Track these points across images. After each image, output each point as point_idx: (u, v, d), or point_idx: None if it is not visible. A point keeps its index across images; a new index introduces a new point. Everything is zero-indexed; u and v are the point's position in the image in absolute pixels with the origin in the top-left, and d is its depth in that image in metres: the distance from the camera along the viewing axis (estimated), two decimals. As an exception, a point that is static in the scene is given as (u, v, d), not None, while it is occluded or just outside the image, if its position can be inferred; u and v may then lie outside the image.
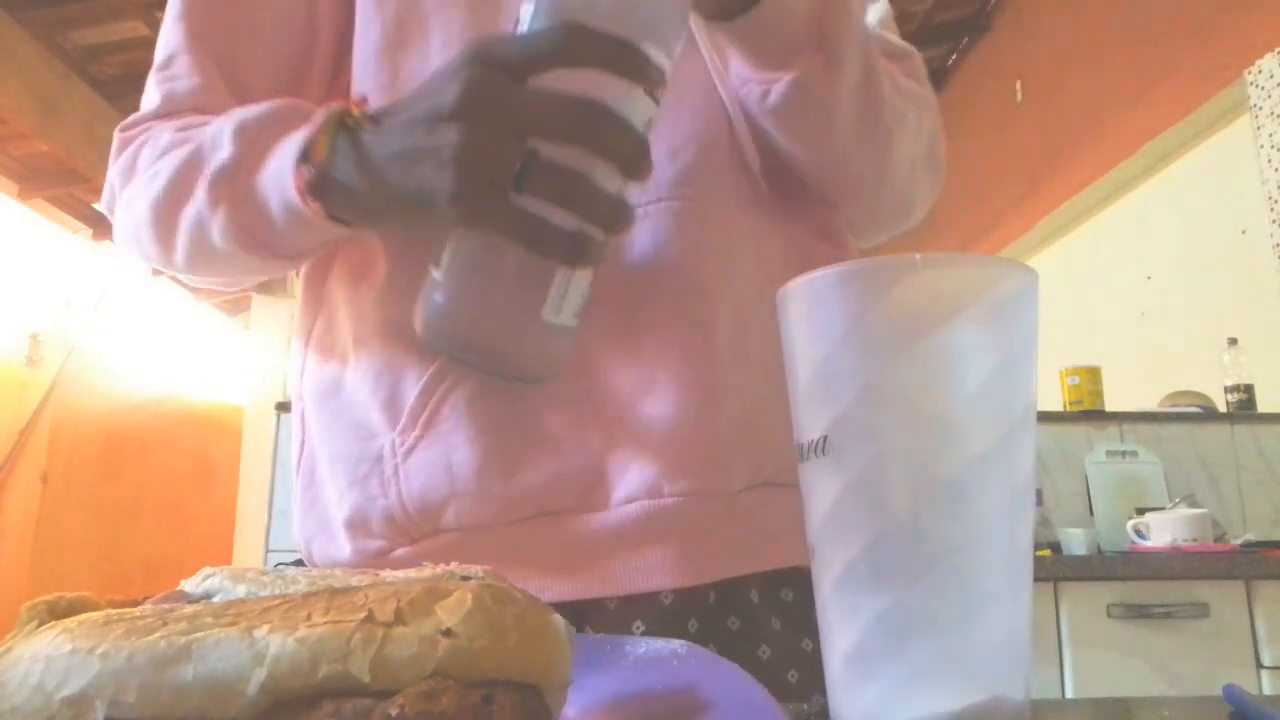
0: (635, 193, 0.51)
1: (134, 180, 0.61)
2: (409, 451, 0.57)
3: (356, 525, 0.58)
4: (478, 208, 0.45)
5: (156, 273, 4.96)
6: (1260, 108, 2.68)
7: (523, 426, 0.56)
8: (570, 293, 0.50)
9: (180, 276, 0.63)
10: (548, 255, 0.47)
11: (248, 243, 0.56)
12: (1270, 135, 2.64)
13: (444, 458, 0.56)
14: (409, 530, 0.57)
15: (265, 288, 5.13)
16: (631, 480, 0.55)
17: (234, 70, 0.64)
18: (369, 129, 0.49)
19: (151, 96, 0.64)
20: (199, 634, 0.24)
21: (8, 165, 3.91)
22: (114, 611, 0.26)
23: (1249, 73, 2.72)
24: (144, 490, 4.78)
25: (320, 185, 0.50)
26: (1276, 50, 2.63)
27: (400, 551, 0.58)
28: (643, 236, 0.57)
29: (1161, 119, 3.12)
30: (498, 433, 0.56)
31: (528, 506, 0.56)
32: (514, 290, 0.49)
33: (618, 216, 0.47)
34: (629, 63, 0.45)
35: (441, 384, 0.56)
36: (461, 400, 0.56)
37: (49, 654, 0.25)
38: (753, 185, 0.62)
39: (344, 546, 0.59)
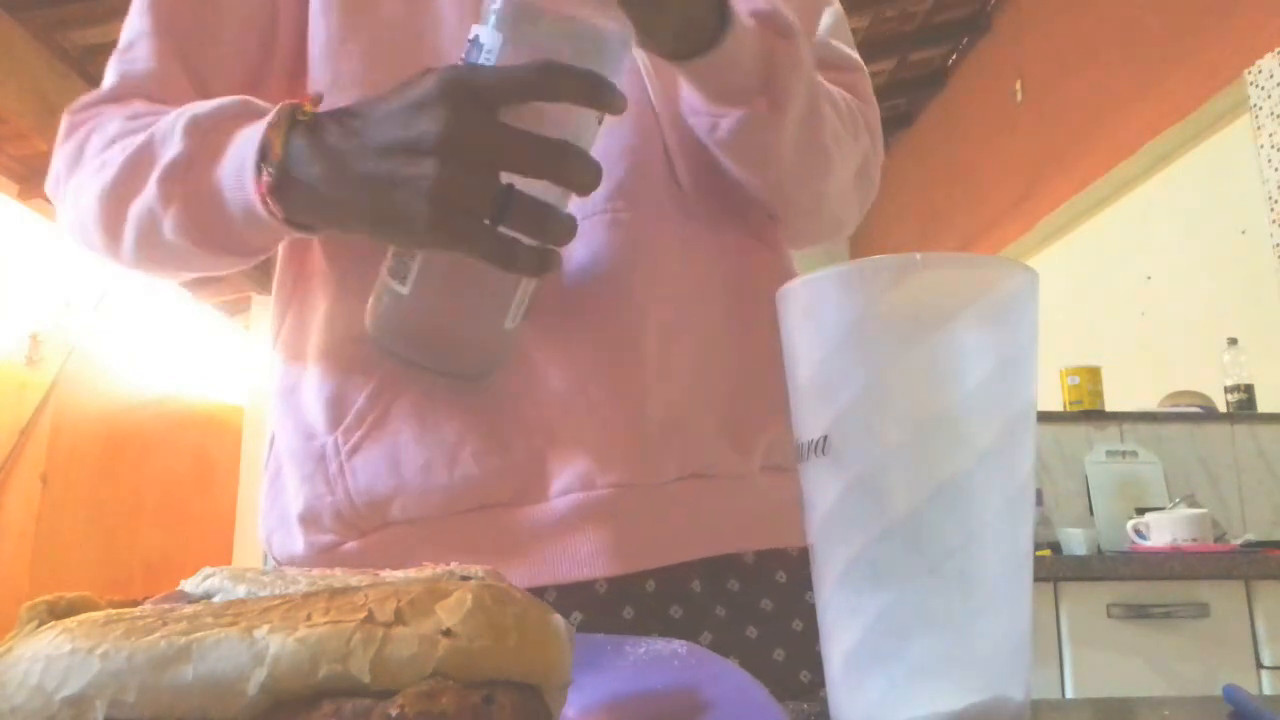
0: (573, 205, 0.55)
1: (81, 169, 0.61)
2: (354, 450, 0.59)
3: (309, 520, 0.61)
4: (455, 236, 0.48)
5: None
6: (1260, 108, 2.68)
7: (466, 425, 0.59)
8: (526, 300, 0.54)
9: (126, 269, 0.63)
10: (519, 273, 0.50)
11: (200, 240, 0.56)
12: (1270, 135, 2.64)
13: (390, 455, 0.58)
14: (358, 524, 0.60)
15: (265, 287, 5.13)
16: (566, 474, 0.58)
17: (196, 63, 0.65)
18: (331, 130, 0.50)
19: (108, 78, 0.65)
20: (199, 634, 0.24)
21: (8, 165, 3.91)
22: (114, 611, 0.26)
23: (1249, 73, 2.72)
24: (144, 490, 4.78)
25: (281, 187, 0.51)
26: (1276, 50, 2.63)
27: (350, 545, 0.61)
28: (579, 248, 0.60)
29: (1161, 119, 3.12)
30: (442, 431, 0.58)
31: (470, 499, 0.58)
32: (483, 302, 0.53)
33: (571, 232, 0.50)
34: (602, 97, 0.48)
35: (391, 387, 0.59)
36: (408, 403, 0.59)
37: (49, 654, 0.25)
38: (683, 195, 0.65)
39: (298, 540, 0.62)
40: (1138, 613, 1.84)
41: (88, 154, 0.61)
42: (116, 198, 0.58)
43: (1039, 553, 1.98)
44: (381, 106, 0.49)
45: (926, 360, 0.32)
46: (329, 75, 0.63)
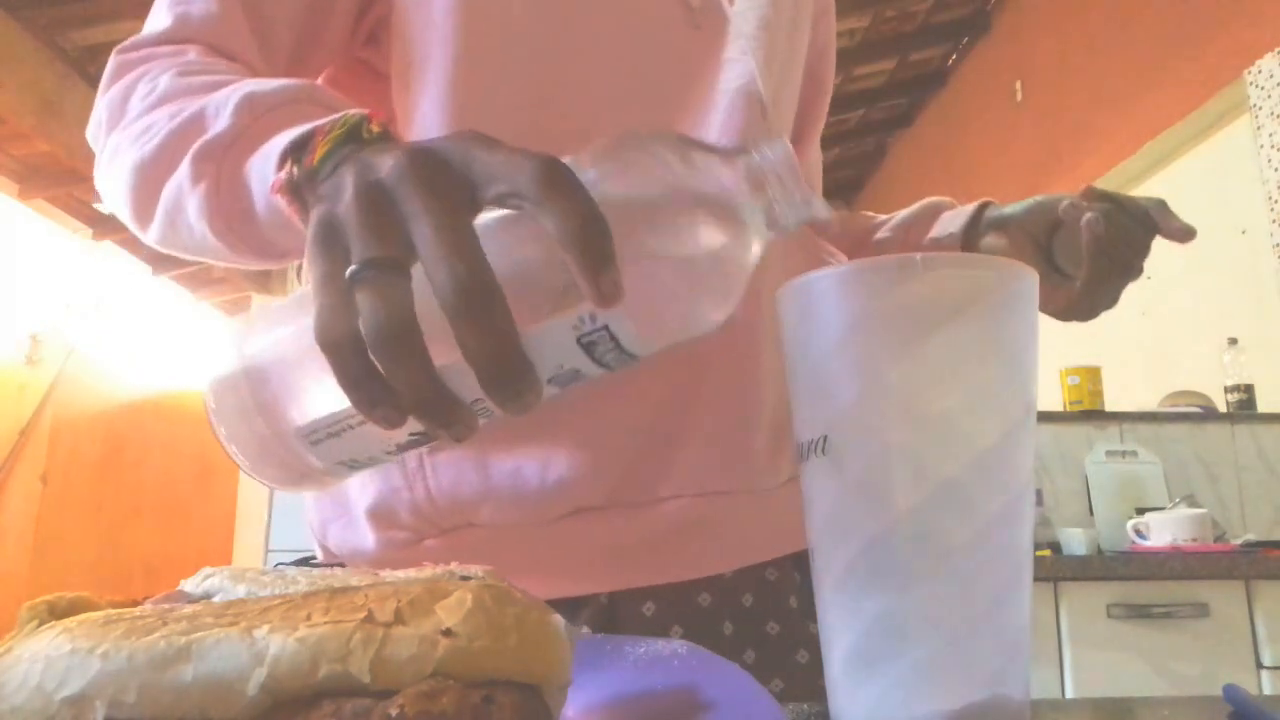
0: None
1: (124, 125, 0.54)
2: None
3: (381, 516, 0.57)
4: (312, 264, 0.34)
5: (156, 273, 4.97)
6: (1260, 108, 2.68)
7: (559, 424, 0.55)
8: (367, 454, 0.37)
9: (155, 247, 0.56)
10: (343, 382, 0.32)
11: (222, 229, 0.49)
12: (1270, 135, 2.64)
13: (477, 455, 0.55)
14: (438, 522, 0.56)
15: (265, 287, 5.14)
16: (674, 477, 0.56)
17: (258, 5, 0.59)
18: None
19: (161, 18, 0.58)
20: (199, 634, 0.24)
21: (8, 165, 3.90)
22: (114, 611, 0.26)
23: (1249, 73, 2.72)
24: (144, 490, 4.78)
25: (300, 190, 0.42)
26: (1276, 50, 2.63)
27: (430, 542, 0.57)
28: None
29: (1161, 119, 3.12)
30: (534, 429, 0.55)
31: (564, 504, 0.55)
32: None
33: (451, 420, 0.32)
34: (589, 271, 0.30)
35: None
36: None
37: (49, 654, 0.25)
38: None
39: (367, 535, 0.58)
40: (1138, 613, 1.83)
41: (132, 107, 0.54)
42: (154, 175, 0.51)
43: (1039, 553, 1.98)
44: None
45: (926, 360, 0.32)
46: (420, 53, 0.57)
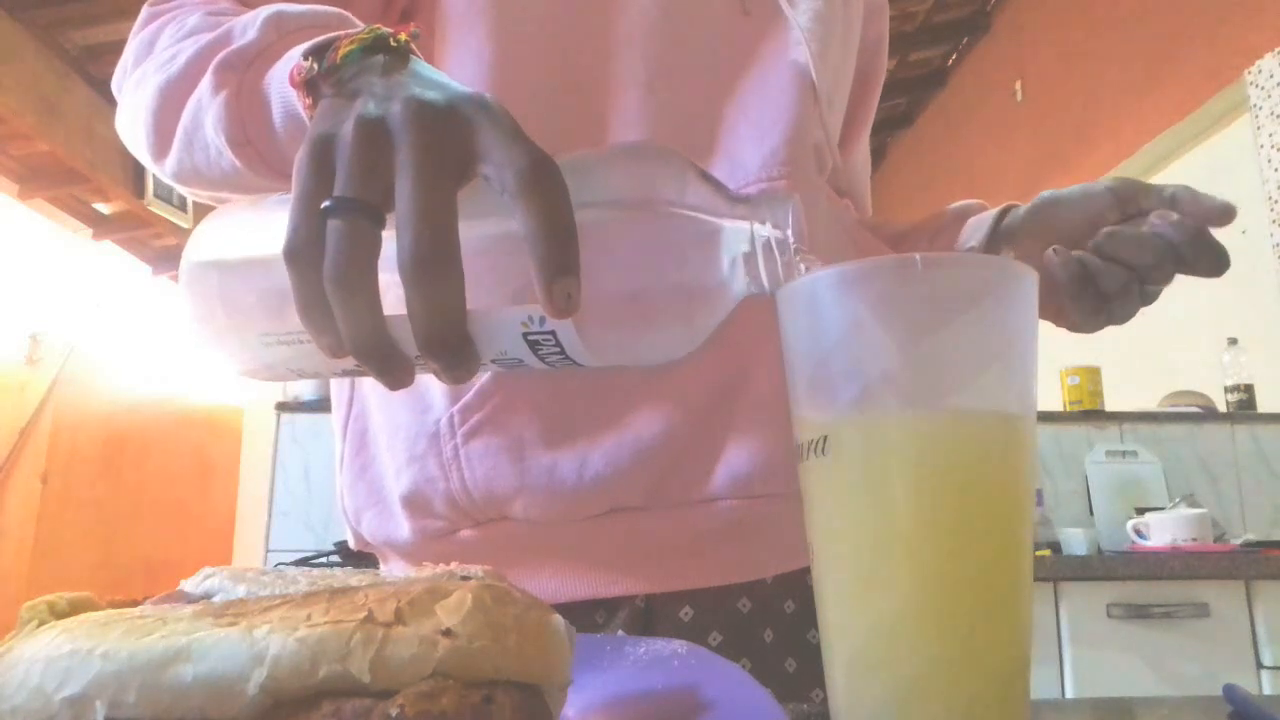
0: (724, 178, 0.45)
1: (149, 59, 0.53)
2: (472, 433, 0.54)
3: (416, 504, 0.56)
4: (293, 189, 0.34)
5: (156, 273, 4.97)
6: (1260, 108, 2.68)
7: (597, 421, 0.54)
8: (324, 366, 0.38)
9: (170, 181, 0.54)
10: (301, 305, 0.33)
11: (240, 140, 0.46)
12: (1270, 135, 2.64)
13: (513, 450, 0.54)
14: (473, 514, 0.56)
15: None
16: (719, 478, 0.55)
17: None
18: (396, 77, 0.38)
19: None
20: (199, 634, 0.24)
21: (8, 165, 3.90)
22: (114, 611, 0.26)
23: (1249, 73, 2.72)
24: (144, 490, 4.78)
25: (318, 87, 0.40)
26: (1276, 50, 2.63)
27: (466, 533, 0.57)
28: None
29: (1161, 119, 3.12)
30: (570, 426, 0.54)
31: (601, 502, 0.55)
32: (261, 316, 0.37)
33: (392, 369, 0.33)
34: (550, 273, 0.30)
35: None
36: (533, 388, 0.53)
37: (49, 654, 0.25)
38: (830, 175, 0.65)
39: (402, 524, 0.58)
40: (1138, 613, 1.83)
41: (159, 45, 0.53)
42: (176, 94, 0.49)
43: (1039, 553, 1.98)
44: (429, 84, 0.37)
45: (926, 360, 0.32)
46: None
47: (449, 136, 0.33)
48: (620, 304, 0.33)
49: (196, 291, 0.38)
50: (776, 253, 0.33)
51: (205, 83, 0.47)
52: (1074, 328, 0.67)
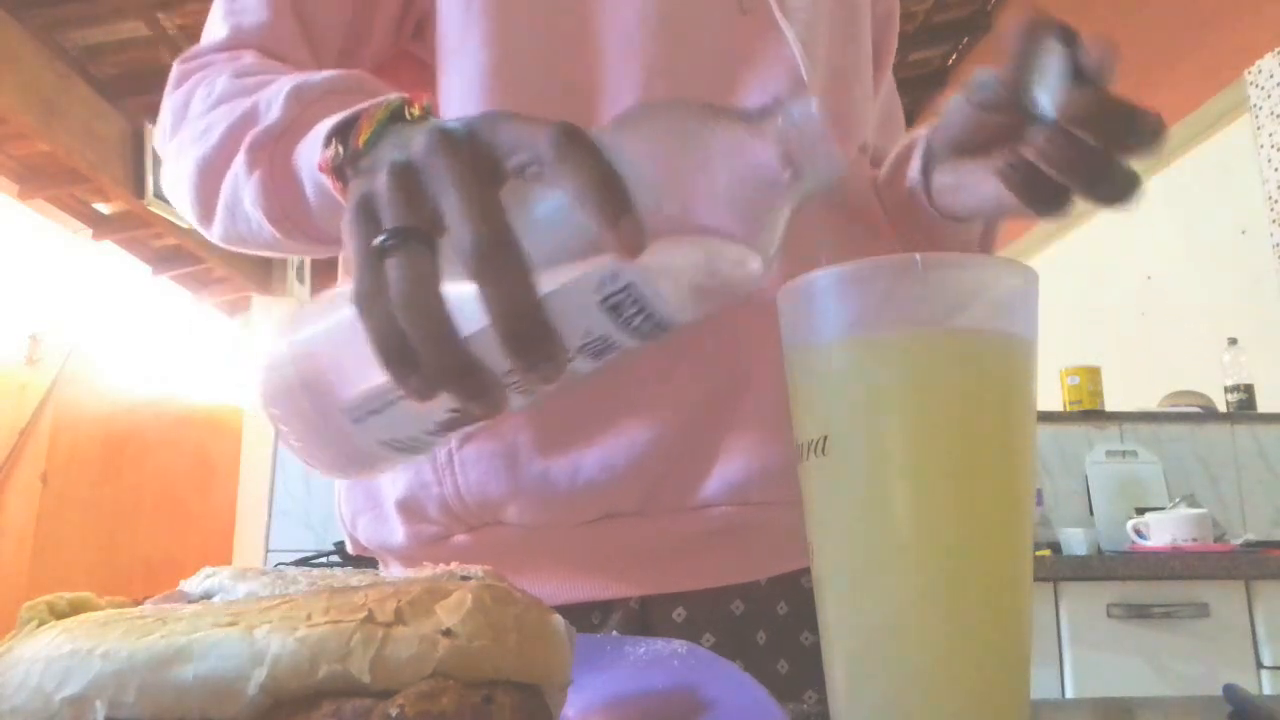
0: None
1: (185, 127, 0.57)
2: (466, 438, 0.55)
3: (410, 509, 0.57)
4: (346, 231, 0.35)
5: (156, 273, 4.97)
6: (1260, 108, 2.68)
7: (591, 427, 0.55)
8: (428, 432, 0.37)
9: (220, 244, 0.58)
10: (375, 343, 0.32)
11: (278, 216, 0.50)
12: (1270, 135, 2.64)
13: (506, 454, 0.55)
14: (466, 519, 0.56)
15: (265, 287, 5.13)
16: (713, 485, 0.55)
17: (305, 9, 0.61)
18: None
19: (217, 30, 0.61)
20: (199, 634, 0.24)
21: (8, 165, 3.90)
22: (114, 611, 0.26)
23: (1249, 73, 2.72)
24: (144, 490, 4.78)
25: (344, 171, 0.43)
26: (1276, 50, 2.63)
27: (459, 538, 0.57)
28: None
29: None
30: (565, 432, 0.55)
31: (594, 509, 0.55)
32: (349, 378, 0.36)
33: (479, 393, 0.32)
34: (609, 211, 0.30)
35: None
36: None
37: (49, 654, 0.25)
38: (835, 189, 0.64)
39: (396, 529, 0.58)
40: (1138, 613, 1.83)
41: (192, 110, 0.57)
42: (213, 169, 0.53)
43: (1039, 553, 1.98)
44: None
45: (926, 360, 0.32)
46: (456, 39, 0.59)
47: (475, 148, 0.34)
48: (683, 242, 0.33)
49: (277, 389, 0.37)
50: (815, 145, 0.34)
51: (239, 162, 0.50)
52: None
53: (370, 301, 0.32)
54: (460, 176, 0.32)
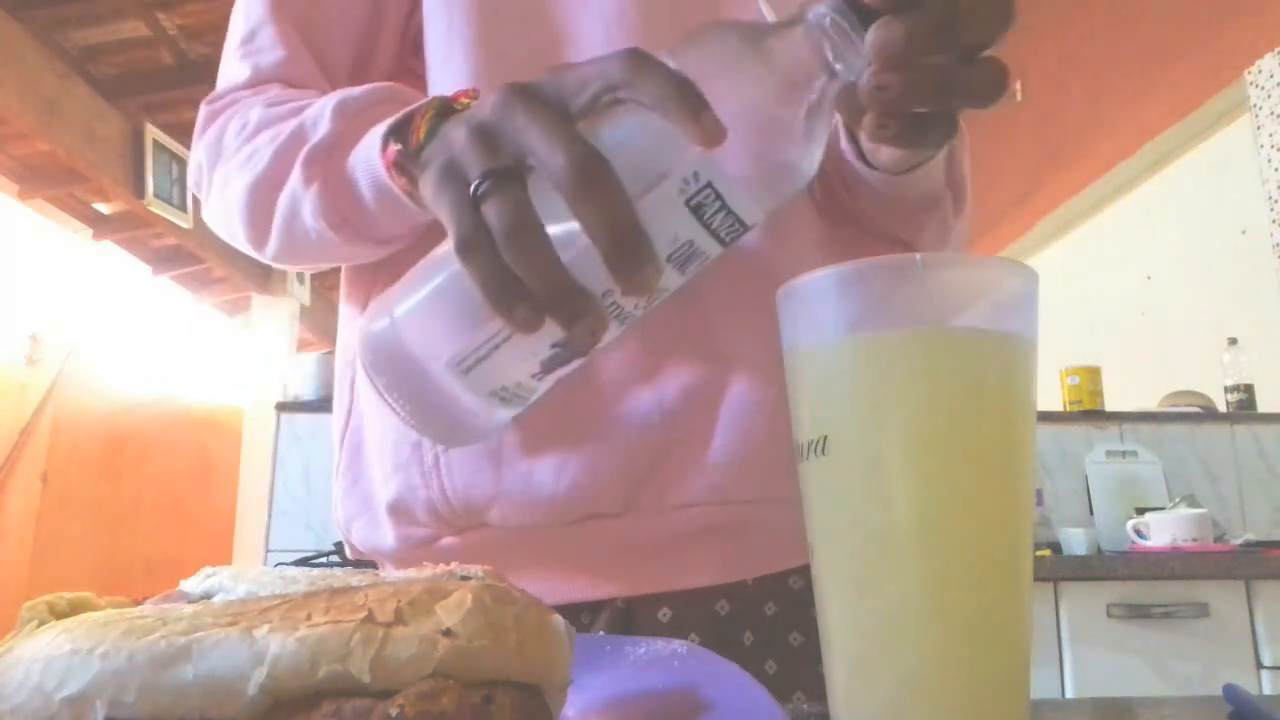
0: None
1: (225, 160, 0.58)
2: None
3: (400, 512, 0.58)
4: (438, 196, 0.37)
5: (156, 273, 4.97)
6: (1260, 108, 2.68)
7: (574, 428, 0.55)
8: (539, 388, 0.40)
9: (269, 262, 0.60)
10: (493, 304, 0.34)
11: (338, 223, 0.52)
12: (1270, 135, 2.64)
13: (491, 455, 0.55)
14: (453, 522, 0.57)
15: (265, 288, 5.14)
16: (693, 485, 0.56)
17: (315, 40, 0.64)
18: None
19: (238, 70, 0.63)
20: (199, 634, 0.24)
21: (8, 165, 3.90)
22: (114, 611, 0.26)
23: (1249, 73, 2.72)
24: (144, 490, 4.78)
25: (408, 164, 0.45)
26: (1276, 50, 2.63)
27: (447, 541, 0.58)
28: None
29: (1161, 119, 3.12)
30: (550, 433, 0.55)
31: (577, 510, 0.55)
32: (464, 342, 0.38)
33: (580, 315, 0.34)
34: (689, 110, 0.34)
35: None
36: None
37: (49, 654, 0.25)
38: (816, 201, 0.65)
39: (388, 533, 0.59)
40: (1138, 613, 1.83)
41: (228, 143, 0.58)
42: (268, 188, 0.55)
43: (1039, 553, 1.98)
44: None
45: (926, 360, 0.32)
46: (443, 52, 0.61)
47: (543, 94, 0.36)
48: (749, 138, 0.37)
49: (382, 357, 0.39)
50: (844, 34, 0.37)
51: (295, 178, 0.53)
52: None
53: (472, 245, 0.34)
54: (538, 115, 0.35)
